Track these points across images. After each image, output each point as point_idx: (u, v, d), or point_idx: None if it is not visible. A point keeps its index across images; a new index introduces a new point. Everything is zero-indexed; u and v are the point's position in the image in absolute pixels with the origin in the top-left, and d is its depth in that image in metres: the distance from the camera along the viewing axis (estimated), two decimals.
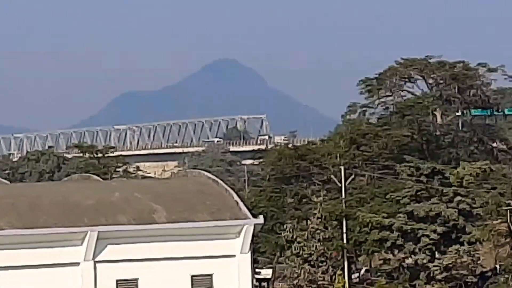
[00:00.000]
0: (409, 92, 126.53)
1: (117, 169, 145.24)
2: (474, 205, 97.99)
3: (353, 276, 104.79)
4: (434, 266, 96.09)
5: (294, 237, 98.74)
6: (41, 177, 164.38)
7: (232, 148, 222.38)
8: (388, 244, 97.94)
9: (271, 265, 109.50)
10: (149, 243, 65.83)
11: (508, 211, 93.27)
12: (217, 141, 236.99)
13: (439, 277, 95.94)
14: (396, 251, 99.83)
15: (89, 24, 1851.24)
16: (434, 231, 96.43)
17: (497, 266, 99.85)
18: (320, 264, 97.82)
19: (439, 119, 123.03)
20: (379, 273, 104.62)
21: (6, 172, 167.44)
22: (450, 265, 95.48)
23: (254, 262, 74.78)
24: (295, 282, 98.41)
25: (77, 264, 64.79)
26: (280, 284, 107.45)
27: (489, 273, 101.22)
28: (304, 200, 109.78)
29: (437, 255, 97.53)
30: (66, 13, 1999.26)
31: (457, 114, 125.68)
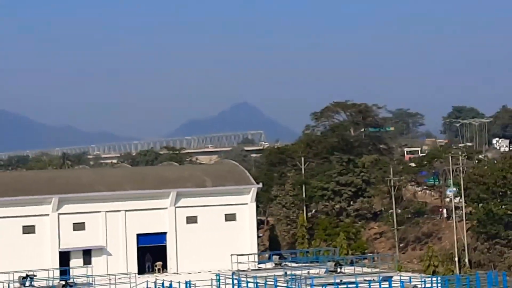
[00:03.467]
0: (336, 119, 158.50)
1: (186, 159, 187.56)
2: (370, 177, 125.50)
3: (308, 214, 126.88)
4: (349, 208, 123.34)
5: (278, 194, 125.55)
6: (146, 164, 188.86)
7: (246, 148, 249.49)
8: (326, 197, 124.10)
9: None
10: (203, 197, 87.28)
11: (388, 180, 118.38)
12: (238, 144, 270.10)
13: (352, 214, 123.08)
14: (330, 201, 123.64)
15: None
16: (350, 191, 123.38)
17: (382, 209, 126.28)
18: (291, 208, 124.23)
19: (352, 133, 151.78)
20: (321, 213, 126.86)
21: (129, 161, 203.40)
22: (358, 208, 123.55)
23: (256, 207, 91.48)
24: (278, 217, 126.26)
25: (164, 208, 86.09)
26: (270, 218, 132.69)
27: (378, 212, 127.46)
28: (283, 174, 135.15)
29: (351, 203, 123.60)
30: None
31: (361, 130, 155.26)
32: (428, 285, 65.15)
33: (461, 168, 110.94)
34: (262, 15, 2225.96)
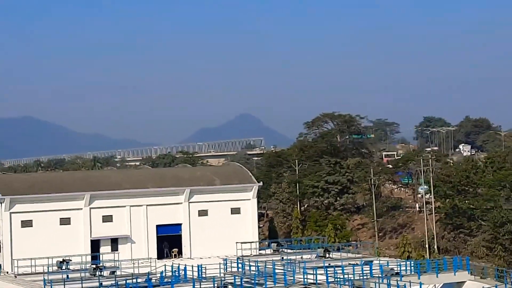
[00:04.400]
0: (325, 127, 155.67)
1: (198, 162, 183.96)
2: (354, 177, 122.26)
3: (302, 208, 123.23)
4: (336, 203, 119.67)
5: (275, 191, 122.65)
6: (164, 166, 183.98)
7: (248, 152, 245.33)
8: (316, 194, 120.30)
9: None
10: (213, 194, 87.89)
11: (369, 179, 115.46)
12: (241, 149, 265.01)
13: (338, 208, 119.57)
14: (320, 197, 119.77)
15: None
16: (336, 188, 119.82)
17: (364, 204, 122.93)
18: (287, 203, 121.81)
19: (338, 139, 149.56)
20: (312, 207, 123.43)
21: (150, 164, 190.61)
22: (343, 203, 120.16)
23: (257, 202, 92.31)
24: (275, 211, 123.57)
25: (180, 204, 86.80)
26: (269, 212, 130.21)
27: (360, 207, 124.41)
28: (280, 175, 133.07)
29: (338, 199, 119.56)
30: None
31: (346, 137, 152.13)
32: (403, 268, 64.98)
33: (430, 169, 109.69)
34: (266, 46, 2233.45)
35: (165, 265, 71.28)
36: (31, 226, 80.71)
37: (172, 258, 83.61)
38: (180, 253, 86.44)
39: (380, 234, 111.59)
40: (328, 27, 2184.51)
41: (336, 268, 63.84)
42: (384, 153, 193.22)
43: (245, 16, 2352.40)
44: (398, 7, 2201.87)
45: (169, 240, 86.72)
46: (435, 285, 61.82)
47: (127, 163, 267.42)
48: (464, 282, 61.59)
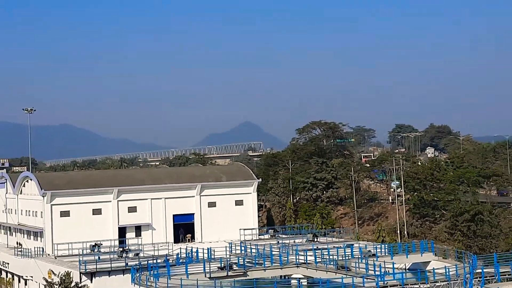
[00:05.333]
0: (313, 133, 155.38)
1: (208, 162, 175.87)
2: (337, 174, 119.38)
3: (294, 200, 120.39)
4: (323, 196, 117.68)
5: (272, 186, 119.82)
6: (180, 165, 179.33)
7: (249, 154, 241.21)
8: (306, 188, 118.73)
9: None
10: (220, 188, 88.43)
11: (350, 176, 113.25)
12: (244, 151, 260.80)
13: (325, 200, 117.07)
14: (309, 191, 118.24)
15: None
16: (323, 183, 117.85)
17: (346, 196, 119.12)
18: (282, 196, 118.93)
19: (325, 143, 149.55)
20: (303, 199, 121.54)
21: (167, 164, 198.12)
22: (329, 196, 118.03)
23: (257, 195, 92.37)
24: (272, 203, 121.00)
25: (192, 197, 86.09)
26: (267, 203, 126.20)
27: (343, 199, 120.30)
28: (276, 172, 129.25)
29: (324, 192, 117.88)
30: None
31: (331, 141, 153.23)
32: (379, 250, 64.90)
33: (401, 168, 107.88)
34: (267, 64, 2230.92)
35: (180, 248, 71.33)
36: (69, 216, 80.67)
37: (186, 242, 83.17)
38: (193, 238, 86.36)
39: (359, 222, 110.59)
40: (312, 47, 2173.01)
41: (323, 250, 63.97)
42: (362, 154, 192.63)
43: (250, 34, 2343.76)
44: (377, 25, 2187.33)
45: (183, 227, 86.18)
46: (405, 264, 61.29)
47: (148, 163, 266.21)
48: (429, 261, 61.23)
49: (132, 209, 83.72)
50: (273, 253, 63.05)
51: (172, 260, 63.97)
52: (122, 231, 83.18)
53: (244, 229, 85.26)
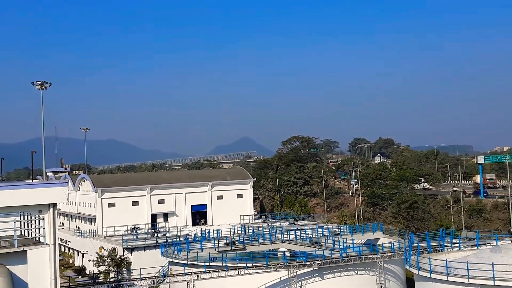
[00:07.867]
0: (294, 145, 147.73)
1: (216, 167, 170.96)
2: (312, 175, 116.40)
3: (280, 194, 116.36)
4: (301, 191, 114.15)
5: (264, 183, 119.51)
6: (196, 169, 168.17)
7: (247, 160, 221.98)
8: (289, 185, 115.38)
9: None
10: (226, 185, 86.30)
11: (321, 176, 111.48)
12: (242, 158, 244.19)
13: (303, 194, 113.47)
14: (291, 187, 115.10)
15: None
16: (301, 182, 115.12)
17: (318, 191, 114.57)
18: (271, 191, 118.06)
19: (302, 152, 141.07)
20: (287, 193, 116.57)
21: (187, 168, 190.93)
22: (306, 191, 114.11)
23: (253, 190, 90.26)
24: (264, 196, 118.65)
25: (205, 192, 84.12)
26: (260, 196, 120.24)
27: (316, 193, 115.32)
28: (266, 173, 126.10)
29: (302, 188, 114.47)
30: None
31: (307, 151, 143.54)
32: (342, 230, 64.76)
33: (358, 169, 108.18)
34: (264, 88, 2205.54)
35: (196, 230, 71.34)
36: (114, 206, 79.72)
37: (201, 225, 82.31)
38: (205, 222, 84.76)
39: (328, 209, 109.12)
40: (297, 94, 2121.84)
41: (301, 230, 63.55)
42: (330, 160, 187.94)
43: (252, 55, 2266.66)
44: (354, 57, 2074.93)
45: (199, 214, 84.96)
46: (361, 240, 60.28)
47: (173, 167, 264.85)
48: (379, 238, 60.49)
49: (161, 201, 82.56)
50: (265, 232, 62.34)
51: (191, 238, 63.65)
52: (153, 217, 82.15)
53: (243, 215, 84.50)
